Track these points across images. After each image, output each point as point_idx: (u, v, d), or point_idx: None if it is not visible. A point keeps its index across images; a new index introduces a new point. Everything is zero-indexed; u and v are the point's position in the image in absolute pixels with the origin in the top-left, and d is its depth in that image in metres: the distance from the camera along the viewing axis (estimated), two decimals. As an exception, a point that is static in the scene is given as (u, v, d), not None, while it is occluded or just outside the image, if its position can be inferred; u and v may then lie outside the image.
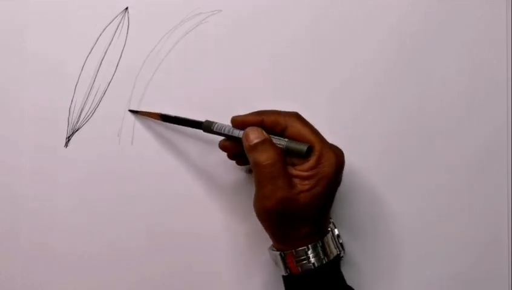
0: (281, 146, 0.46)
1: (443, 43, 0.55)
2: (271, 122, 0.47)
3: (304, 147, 0.46)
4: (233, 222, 0.53)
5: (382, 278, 0.54)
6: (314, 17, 0.54)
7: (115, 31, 0.54)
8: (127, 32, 0.54)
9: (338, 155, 0.46)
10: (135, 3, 0.54)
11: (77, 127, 0.54)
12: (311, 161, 0.45)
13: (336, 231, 0.49)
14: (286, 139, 0.47)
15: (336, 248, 0.48)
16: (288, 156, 0.46)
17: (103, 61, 0.54)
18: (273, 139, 0.46)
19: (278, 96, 0.54)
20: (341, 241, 0.49)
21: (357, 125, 0.54)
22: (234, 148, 0.49)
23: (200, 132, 0.50)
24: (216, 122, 0.50)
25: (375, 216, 0.54)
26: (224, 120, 0.53)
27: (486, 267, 0.54)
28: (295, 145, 0.46)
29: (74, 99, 0.54)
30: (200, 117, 0.53)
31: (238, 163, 0.52)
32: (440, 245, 0.54)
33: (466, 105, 0.55)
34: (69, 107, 0.54)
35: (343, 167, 0.47)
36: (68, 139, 0.54)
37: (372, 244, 0.54)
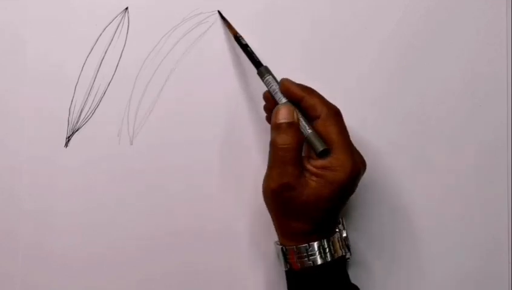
0: (305, 134, 0.46)
1: (443, 43, 0.55)
2: (308, 106, 0.46)
3: (320, 147, 0.45)
4: (234, 221, 0.53)
5: (386, 277, 0.54)
6: (314, 18, 0.54)
7: (115, 31, 0.54)
8: (127, 32, 0.54)
9: (356, 164, 0.45)
10: (135, 3, 0.54)
11: (77, 127, 0.54)
12: (325, 160, 0.45)
13: (345, 233, 0.49)
14: (310, 131, 0.46)
15: (341, 249, 0.47)
16: (308, 146, 0.46)
17: (103, 62, 0.54)
18: (302, 123, 0.46)
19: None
20: (348, 243, 0.49)
21: (357, 125, 0.54)
22: (273, 105, 0.49)
23: (202, 131, 0.51)
24: (269, 76, 0.49)
25: (374, 214, 0.54)
26: (223, 118, 0.53)
27: (486, 267, 0.54)
28: (314, 140, 0.46)
29: (74, 99, 0.54)
30: (200, 117, 0.53)
31: (269, 120, 0.51)
32: (440, 245, 0.54)
33: (466, 105, 0.55)
34: (69, 107, 0.54)
35: (359, 177, 0.46)
36: (68, 139, 0.54)
37: (377, 244, 0.54)
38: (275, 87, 0.48)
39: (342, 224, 0.49)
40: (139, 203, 0.53)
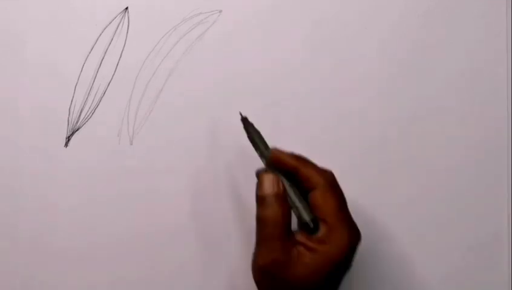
0: (292, 205, 0.43)
1: (443, 43, 0.55)
2: (303, 177, 0.43)
3: (307, 218, 0.43)
4: (233, 222, 0.53)
5: (384, 279, 0.54)
6: (314, 17, 0.55)
7: (115, 31, 0.54)
8: (127, 32, 0.54)
9: (353, 238, 0.42)
10: (135, 3, 0.54)
11: (77, 127, 0.54)
12: (320, 234, 0.42)
13: None
14: (299, 203, 0.43)
15: None
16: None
17: (103, 61, 0.54)
18: (291, 194, 0.43)
19: (277, 96, 0.54)
20: None
21: (356, 123, 0.54)
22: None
23: (202, 131, 0.51)
24: (259, 151, 0.46)
25: (374, 215, 0.54)
26: (221, 117, 0.53)
27: (486, 267, 0.54)
28: (302, 212, 0.43)
29: (74, 99, 0.54)
30: (200, 117, 0.53)
31: None
32: (440, 245, 0.54)
33: (466, 105, 0.55)
34: (69, 107, 0.54)
35: (355, 249, 0.42)
36: (68, 139, 0.54)
37: (374, 245, 0.54)
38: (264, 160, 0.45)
39: None
40: (139, 203, 0.53)
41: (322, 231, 0.42)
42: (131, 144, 0.54)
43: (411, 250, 0.54)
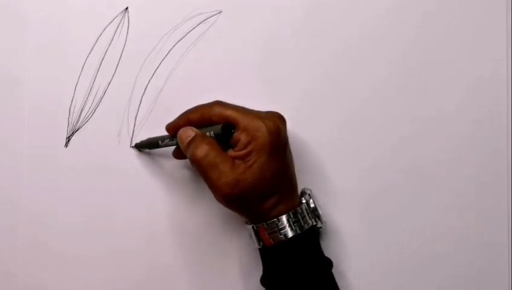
0: (213, 136, 0.47)
1: (443, 43, 0.55)
2: (197, 119, 0.48)
3: (218, 127, 0.46)
4: (234, 222, 0.53)
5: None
6: (314, 17, 0.54)
7: (115, 31, 0.54)
8: (127, 32, 0.54)
9: (267, 121, 0.46)
10: (135, 3, 0.54)
11: (77, 127, 0.54)
12: (242, 138, 0.46)
13: (312, 204, 0.49)
14: (212, 131, 0.47)
15: (310, 219, 0.48)
16: (222, 142, 0.47)
17: (103, 61, 0.54)
18: (207, 131, 0.47)
19: (276, 96, 0.54)
20: (320, 212, 0.50)
21: (357, 125, 0.54)
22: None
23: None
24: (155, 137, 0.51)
25: (375, 216, 0.54)
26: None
27: (486, 267, 0.54)
28: (215, 129, 0.47)
29: (74, 100, 0.54)
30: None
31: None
32: (440, 245, 0.54)
33: (467, 105, 0.55)
34: (69, 107, 0.54)
35: (280, 129, 0.46)
36: (68, 139, 0.54)
37: (375, 251, 0.54)
38: (174, 141, 0.49)
39: (309, 195, 0.50)
40: (139, 203, 0.53)
41: (241, 136, 0.46)
42: (131, 144, 0.54)
43: (411, 250, 0.54)
